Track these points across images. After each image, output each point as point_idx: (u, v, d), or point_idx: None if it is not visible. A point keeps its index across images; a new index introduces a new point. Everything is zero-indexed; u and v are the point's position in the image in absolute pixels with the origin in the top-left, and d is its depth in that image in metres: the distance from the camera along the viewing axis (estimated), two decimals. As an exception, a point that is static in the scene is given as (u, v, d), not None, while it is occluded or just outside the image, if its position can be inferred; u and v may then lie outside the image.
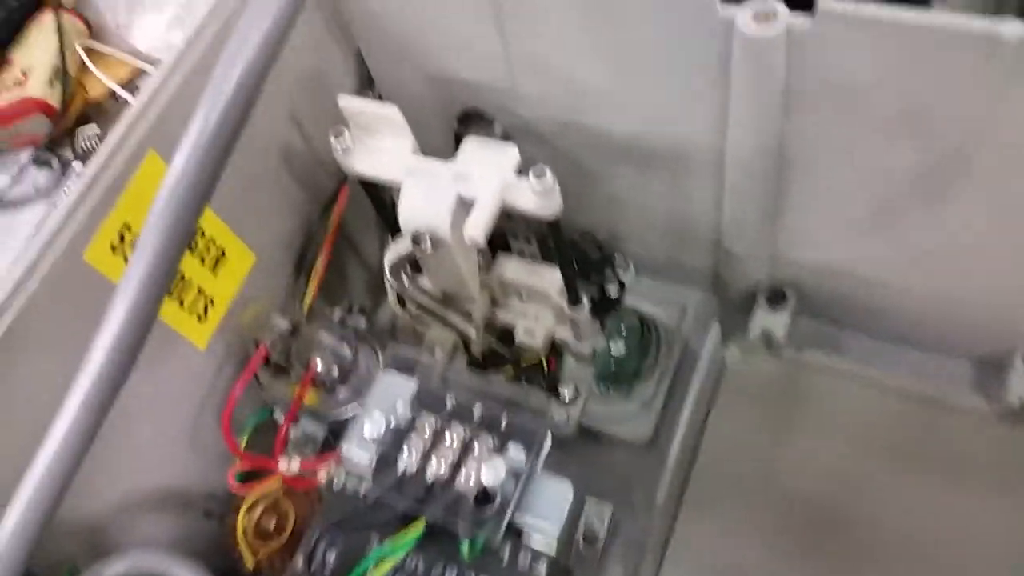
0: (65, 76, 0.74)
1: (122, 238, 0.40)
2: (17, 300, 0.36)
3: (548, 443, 0.38)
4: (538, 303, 0.52)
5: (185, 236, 0.26)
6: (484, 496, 0.36)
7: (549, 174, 0.39)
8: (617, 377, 0.51)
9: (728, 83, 0.39)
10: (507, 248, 0.53)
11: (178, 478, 0.46)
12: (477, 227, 0.40)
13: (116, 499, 0.43)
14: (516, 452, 0.37)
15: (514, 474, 0.36)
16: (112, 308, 0.26)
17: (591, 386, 0.52)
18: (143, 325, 0.27)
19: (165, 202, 0.26)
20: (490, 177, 0.42)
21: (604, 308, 0.53)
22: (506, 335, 0.53)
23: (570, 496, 0.37)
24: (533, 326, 0.51)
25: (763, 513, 0.48)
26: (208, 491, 0.48)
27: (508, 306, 0.53)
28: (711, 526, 0.48)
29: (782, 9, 0.35)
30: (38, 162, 0.72)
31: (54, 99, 0.73)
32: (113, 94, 0.76)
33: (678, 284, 0.56)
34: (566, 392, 0.51)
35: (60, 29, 0.74)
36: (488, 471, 0.36)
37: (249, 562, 0.44)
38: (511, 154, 0.42)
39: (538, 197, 0.40)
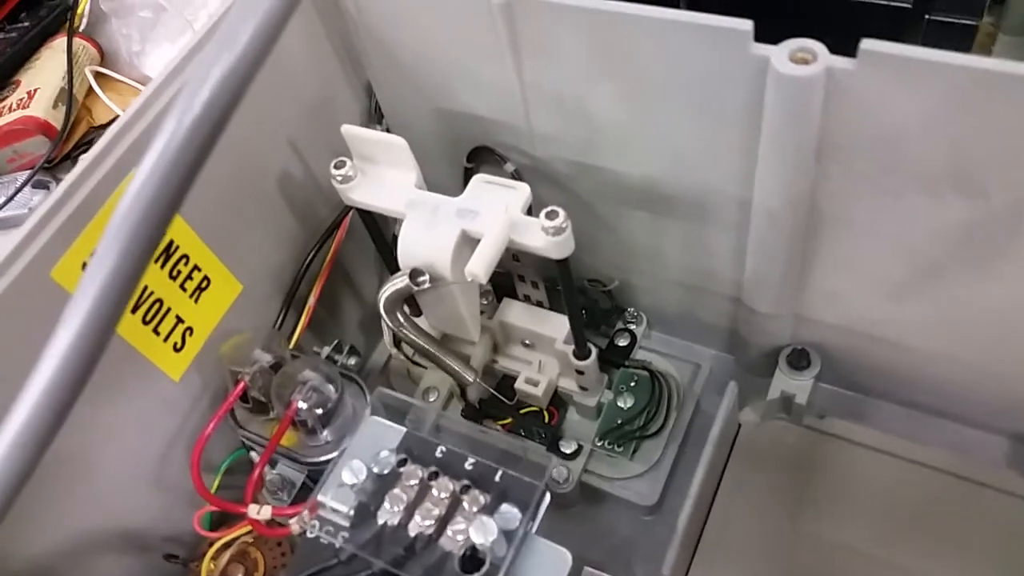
0: (71, 99, 0.72)
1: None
2: (-26, 312, 0.33)
3: (546, 503, 0.35)
4: (542, 351, 0.49)
5: (148, 247, 0.23)
6: (472, 558, 0.32)
7: (562, 215, 0.36)
8: (623, 434, 0.48)
9: (758, 127, 0.36)
10: (512, 293, 0.50)
11: (140, 518, 0.43)
12: (480, 263, 0.37)
13: (69, 537, 0.39)
14: (510, 511, 0.34)
15: (506, 536, 0.33)
16: (63, 322, 0.23)
17: (594, 442, 0.48)
18: (96, 343, 0.24)
19: (128, 209, 0.23)
20: (497, 214, 0.39)
21: (612, 360, 0.49)
22: (506, 383, 0.50)
23: (567, 567, 0.34)
24: (536, 375, 0.48)
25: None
26: (172, 534, 0.45)
27: (510, 353, 0.50)
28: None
29: (822, 49, 0.33)
30: (35, 184, 0.70)
31: (57, 121, 0.71)
32: (119, 121, 0.74)
33: (692, 341, 0.53)
34: (567, 447, 0.48)
35: (70, 52, 0.73)
36: (478, 530, 0.32)
37: (210, 616, 0.40)
38: (522, 192, 0.40)
39: (549, 237, 0.37)
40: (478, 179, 0.41)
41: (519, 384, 0.48)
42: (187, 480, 0.44)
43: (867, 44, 0.32)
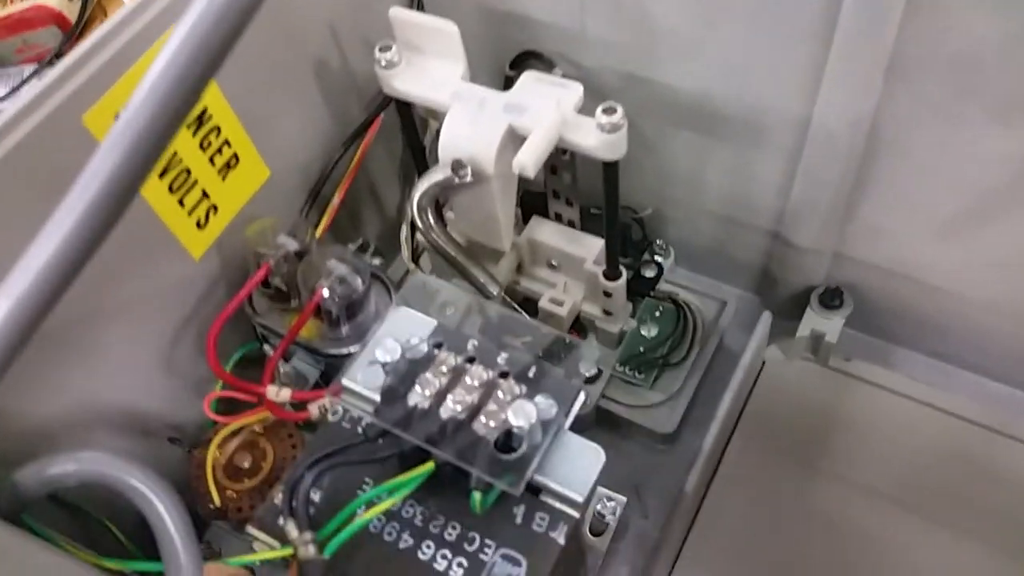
0: (87, -4, 0.70)
1: (130, 110, 0.35)
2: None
3: (580, 401, 0.33)
4: (569, 273, 0.47)
5: (186, 103, 0.21)
6: (506, 442, 0.31)
7: (620, 110, 0.35)
8: (645, 361, 0.47)
9: (830, 40, 0.35)
10: (542, 212, 0.49)
11: (145, 399, 0.41)
12: (530, 155, 0.36)
13: (74, 406, 0.38)
14: (546, 401, 0.32)
15: (543, 424, 0.32)
16: (90, 168, 0.21)
17: (615, 367, 0.47)
18: (122, 196, 0.22)
19: (169, 61, 0.21)
20: (548, 110, 0.38)
21: (638, 290, 0.48)
22: (526, 306, 0.49)
23: (601, 463, 0.33)
24: (560, 295, 0.47)
25: (788, 532, 0.43)
26: (176, 420, 0.43)
27: (534, 274, 0.49)
28: (729, 540, 0.43)
29: (909, -47, 0.32)
30: (41, 76, 0.68)
31: (71, 14, 0.69)
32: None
33: (718, 279, 0.52)
34: (587, 369, 0.46)
35: (88, -53, 0.70)
36: (517, 414, 0.31)
37: (216, 499, 0.38)
38: (574, 90, 0.38)
39: (604, 134, 0.35)
40: (528, 75, 0.40)
41: (543, 303, 0.47)
42: (196, 366, 0.42)
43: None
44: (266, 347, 0.43)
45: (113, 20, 0.33)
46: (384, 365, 0.33)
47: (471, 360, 0.34)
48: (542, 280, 0.49)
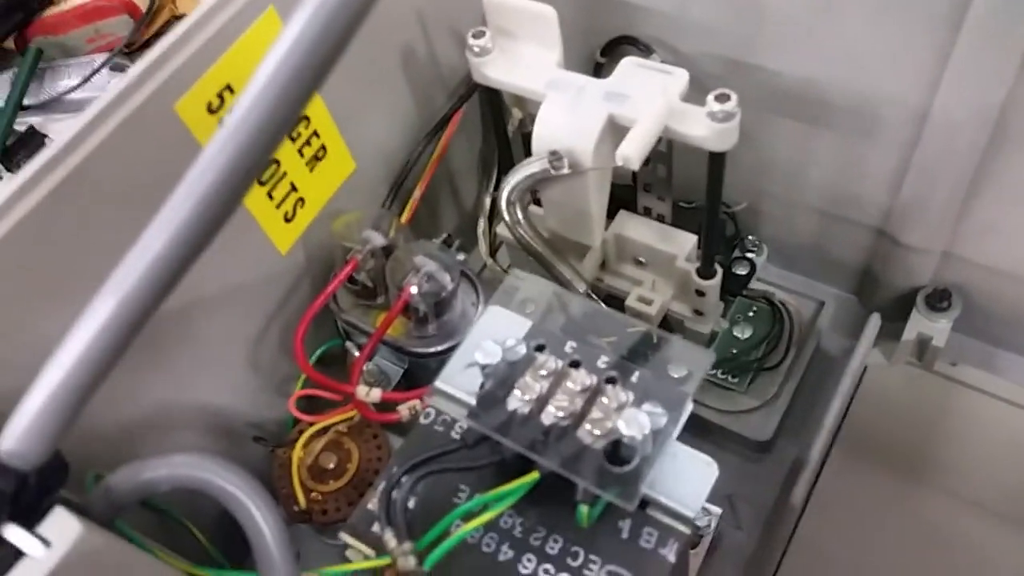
0: (156, -17, 0.69)
1: (221, 99, 0.34)
2: (94, 136, 0.30)
3: (689, 407, 0.32)
4: (658, 271, 0.45)
5: (292, 116, 0.20)
6: (617, 452, 0.29)
7: (735, 98, 0.33)
8: (739, 364, 0.44)
9: (959, 24, 0.33)
10: (629, 206, 0.47)
11: (230, 396, 0.40)
12: (634, 147, 0.34)
13: (158, 406, 0.37)
14: (655, 410, 0.30)
15: (654, 434, 0.30)
16: (191, 177, 0.20)
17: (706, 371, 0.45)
18: (224, 207, 0.21)
19: (276, 69, 0.19)
20: (652, 99, 0.36)
21: (729, 289, 0.46)
22: (609, 303, 0.47)
23: (714, 476, 0.31)
24: (649, 294, 0.45)
25: (892, 547, 0.41)
26: (258, 419, 0.42)
27: (619, 271, 0.47)
28: (830, 555, 0.41)
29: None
30: (113, 67, 0.67)
31: (142, 3, 0.68)
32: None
33: (814, 278, 0.49)
34: (677, 371, 0.45)
35: (158, -64, 0.70)
36: (629, 423, 0.29)
37: (301, 501, 0.37)
38: (679, 77, 0.36)
39: (716, 123, 0.33)
40: (628, 62, 0.38)
41: (630, 302, 0.45)
42: (279, 363, 0.41)
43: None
44: (348, 344, 0.42)
45: (201, 8, 0.32)
46: (483, 368, 0.32)
47: (574, 364, 0.32)
48: (628, 277, 0.47)
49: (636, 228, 0.45)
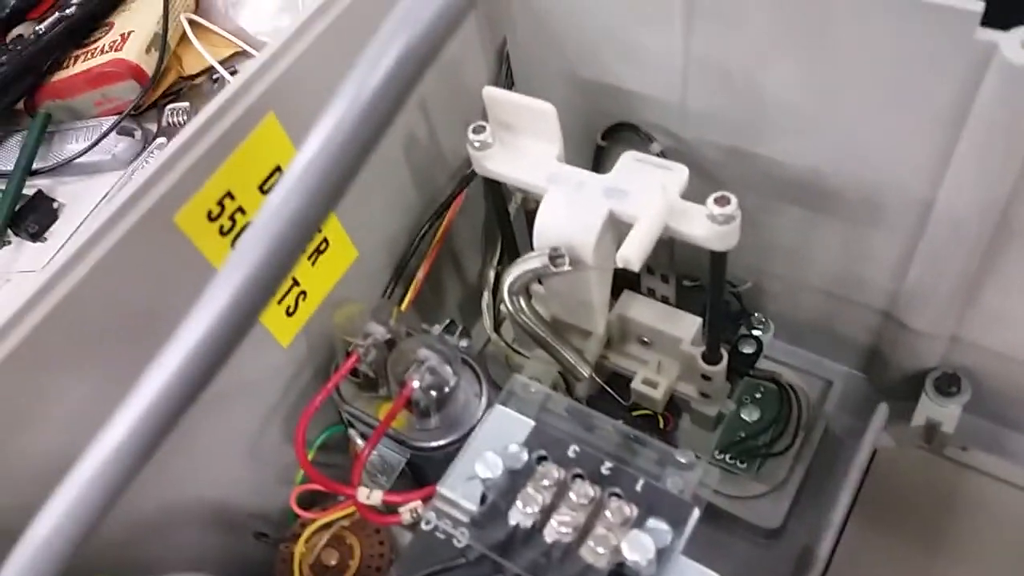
0: (164, 45, 0.70)
1: (222, 207, 0.34)
2: (94, 252, 0.30)
3: (695, 518, 0.31)
4: (662, 351, 0.45)
5: (307, 239, 0.20)
6: (619, 574, 0.29)
7: (734, 202, 0.33)
8: (746, 448, 0.44)
9: (962, 122, 0.33)
10: (634, 285, 0.47)
11: (232, 491, 0.40)
12: (635, 249, 0.34)
13: (159, 508, 0.37)
14: (659, 527, 0.30)
15: (657, 554, 0.29)
16: (202, 308, 0.20)
17: (714, 455, 0.44)
18: (234, 337, 0.20)
19: (290, 193, 0.19)
20: (652, 196, 0.35)
21: (735, 368, 0.46)
22: (615, 382, 0.47)
23: (718, 591, 0.30)
24: (655, 376, 0.44)
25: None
26: (260, 511, 0.42)
27: (624, 350, 0.47)
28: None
29: (1063, 36, 0.29)
30: (120, 131, 0.68)
31: (148, 67, 0.69)
32: (210, 74, 0.72)
33: (822, 355, 0.49)
34: (683, 456, 0.44)
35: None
36: (633, 546, 0.28)
37: (303, 603, 0.37)
38: (679, 174, 0.36)
39: (716, 226, 0.33)
40: (628, 156, 0.38)
41: (635, 384, 0.45)
42: (282, 455, 0.41)
43: None
44: (351, 431, 0.42)
45: (199, 119, 0.32)
46: (484, 481, 0.31)
47: (579, 476, 0.32)
48: (633, 357, 0.46)
49: (640, 309, 0.45)
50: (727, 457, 0.44)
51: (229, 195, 0.34)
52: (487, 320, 0.49)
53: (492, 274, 0.49)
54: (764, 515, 0.43)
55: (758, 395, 0.45)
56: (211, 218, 0.33)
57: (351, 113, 0.19)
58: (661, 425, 0.46)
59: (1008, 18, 0.30)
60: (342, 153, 0.19)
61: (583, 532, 0.30)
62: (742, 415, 0.45)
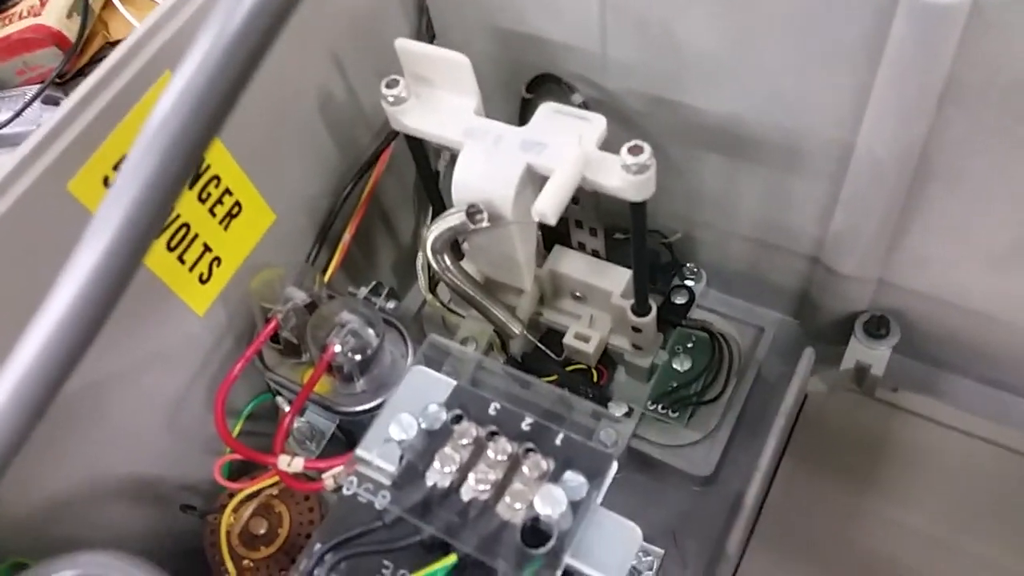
0: (86, 10, 0.67)
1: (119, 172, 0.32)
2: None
3: (612, 473, 0.31)
4: (595, 305, 0.45)
5: (186, 167, 0.19)
6: (534, 529, 0.29)
7: (647, 150, 0.32)
8: (679, 398, 0.44)
9: (876, 63, 0.32)
10: (564, 240, 0.46)
11: (155, 465, 0.39)
12: (550, 203, 0.33)
13: (80, 482, 0.36)
14: (575, 479, 0.30)
15: (572, 506, 0.29)
16: (83, 247, 0.19)
17: (647, 405, 0.44)
18: (119, 276, 0.20)
19: (165, 118, 0.18)
20: (569, 148, 0.35)
21: (669, 319, 0.45)
22: (551, 337, 0.46)
23: (637, 543, 0.30)
24: (586, 330, 0.44)
25: (835, 572, 0.41)
26: (188, 483, 0.41)
27: (557, 305, 0.46)
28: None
29: (969, -29, 0.28)
30: (46, 100, 0.65)
31: (71, 32, 0.66)
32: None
33: (754, 302, 0.49)
34: (618, 408, 0.44)
35: (87, -39, 0.68)
36: (544, 500, 0.28)
37: (231, 571, 0.36)
38: (597, 124, 0.36)
39: (630, 176, 0.33)
40: (547, 108, 0.37)
41: (568, 339, 0.44)
42: (206, 425, 0.40)
43: (1027, -33, 0.27)
44: (279, 399, 0.41)
45: (90, 82, 0.31)
46: (400, 443, 0.31)
47: (494, 434, 0.31)
48: (567, 312, 0.46)
49: (571, 264, 0.44)
50: (659, 407, 0.44)
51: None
52: (422, 280, 0.48)
53: (426, 234, 0.49)
54: (697, 463, 0.43)
55: (690, 345, 0.45)
56: (108, 184, 0.32)
57: (229, 27, 0.18)
58: (595, 379, 0.46)
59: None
60: (218, 75, 0.18)
61: (500, 489, 0.30)
62: (674, 365, 0.45)
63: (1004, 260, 0.37)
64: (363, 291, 0.43)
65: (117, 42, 0.70)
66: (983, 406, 0.44)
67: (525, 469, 0.30)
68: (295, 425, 0.40)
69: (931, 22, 0.30)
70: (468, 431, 0.31)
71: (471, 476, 0.30)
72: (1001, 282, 0.38)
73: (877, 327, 0.43)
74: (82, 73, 0.68)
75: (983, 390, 0.45)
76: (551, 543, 0.28)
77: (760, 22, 0.34)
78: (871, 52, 0.32)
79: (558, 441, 0.32)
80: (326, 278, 0.42)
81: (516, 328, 0.43)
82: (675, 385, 0.44)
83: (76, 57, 0.67)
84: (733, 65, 0.36)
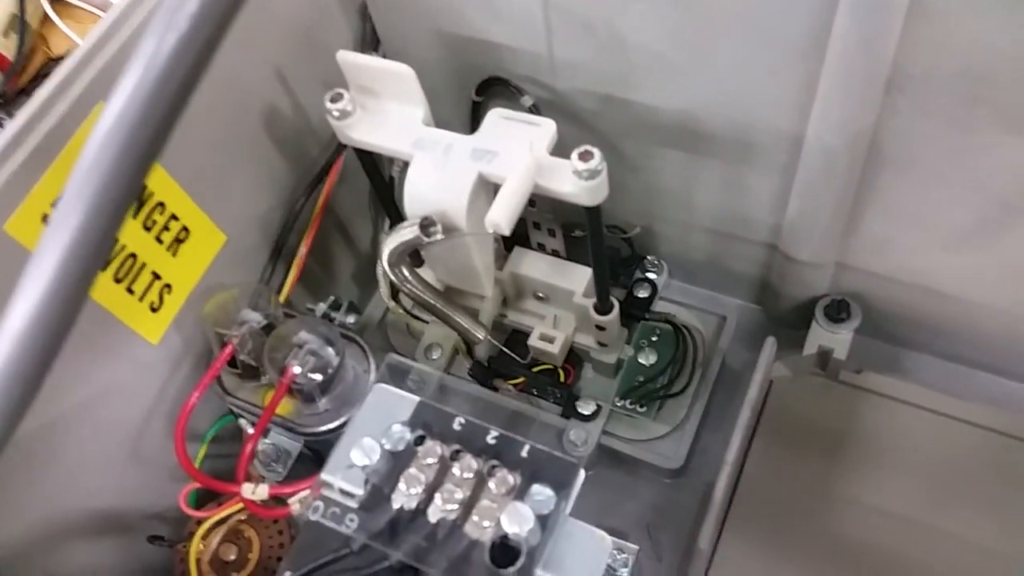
0: (23, 27, 0.65)
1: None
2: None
3: (580, 482, 0.31)
4: (558, 305, 0.45)
5: (126, 196, 0.18)
6: (504, 547, 0.29)
7: (597, 155, 0.32)
8: (646, 392, 0.44)
9: (822, 54, 0.32)
10: (524, 241, 0.46)
11: (119, 496, 0.39)
12: (503, 213, 0.33)
13: (43, 520, 0.35)
14: (542, 492, 0.30)
15: (540, 520, 0.29)
16: (24, 286, 0.18)
17: (614, 402, 0.44)
18: (64, 313, 0.19)
19: (100, 149, 0.18)
20: (520, 155, 0.34)
21: (632, 312, 0.45)
22: (516, 338, 0.46)
23: (607, 552, 0.30)
24: (551, 331, 0.44)
25: (809, 558, 0.41)
26: (155, 511, 0.41)
27: (521, 306, 0.46)
28: (750, 571, 0.41)
29: (907, -40, 0.28)
30: (-15, 121, 0.64)
31: (8, 51, 0.64)
32: (78, 49, 0.67)
33: (716, 291, 0.49)
34: (586, 407, 0.44)
35: (21, -26, 0.65)
36: (511, 518, 0.28)
37: (202, 604, 0.36)
38: (546, 129, 0.35)
39: (582, 181, 0.32)
40: (495, 114, 0.36)
41: (533, 341, 0.44)
42: (169, 454, 0.39)
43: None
44: (242, 421, 0.41)
45: (20, 119, 0.30)
46: (363, 468, 0.30)
47: (458, 452, 0.31)
48: (530, 312, 0.46)
49: (531, 265, 0.44)
50: (627, 402, 0.44)
51: (65, 194, 0.31)
52: (383, 288, 0.47)
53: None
54: (666, 456, 0.43)
55: (654, 338, 0.45)
56: (47, 221, 0.31)
57: (161, 52, 0.17)
58: (562, 378, 0.46)
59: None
60: (152, 101, 0.17)
61: (468, 507, 0.30)
62: (639, 359, 0.45)
63: (958, 240, 0.37)
64: (322, 307, 0.43)
65: (60, 58, 0.68)
66: (945, 382, 0.44)
67: (492, 485, 0.30)
68: (260, 447, 0.40)
69: (873, 13, 0.29)
70: (432, 450, 0.31)
71: (438, 496, 0.30)
72: (956, 261, 0.38)
73: (838, 311, 0.43)
74: (24, 92, 0.66)
75: (944, 366, 0.45)
76: (520, 561, 0.28)
77: (704, 18, 0.33)
78: (816, 44, 0.32)
79: (524, 453, 0.32)
80: (282, 296, 0.42)
81: (480, 334, 0.43)
82: (642, 380, 0.44)
83: (16, 76, 0.65)
84: (680, 62, 0.36)
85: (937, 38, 0.30)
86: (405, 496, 0.30)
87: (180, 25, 0.18)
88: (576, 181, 0.33)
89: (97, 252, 0.18)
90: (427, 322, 0.46)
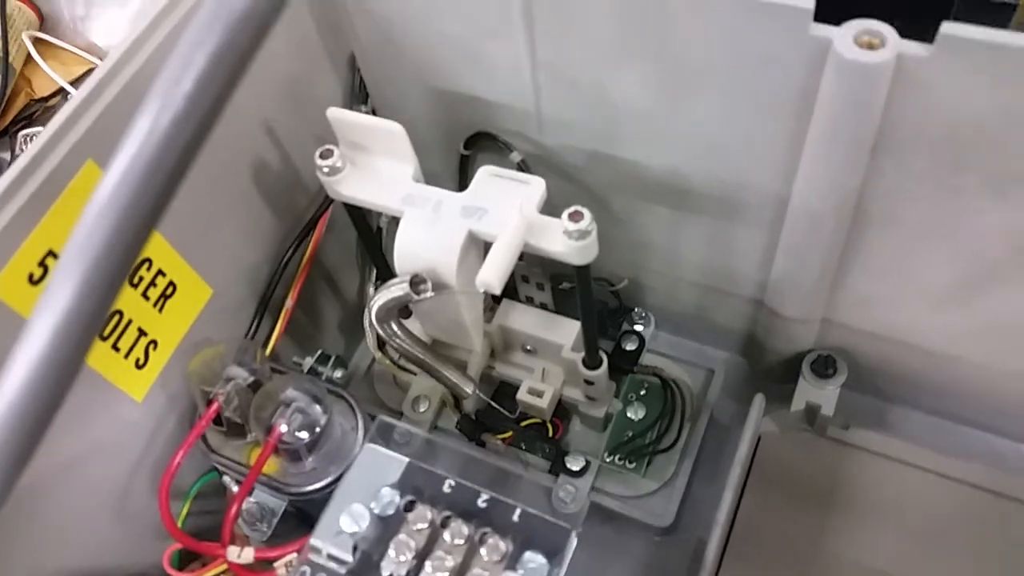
0: (6, 68, 0.65)
1: (44, 268, 0.31)
2: None
3: (573, 547, 0.31)
4: (546, 358, 0.44)
5: (122, 267, 0.18)
6: (496, 619, 0.28)
7: (588, 216, 0.32)
8: (634, 448, 0.44)
9: (808, 118, 0.32)
10: (513, 292, 0.46)
11: (102, 554, 0.38)
12: (494, 273, 0.33)
13: (20, 582, 0.34)
14: (535, 560, 0.29)
15: (534, 590, 0.29)
16: (17, 356, 0.18)
17: (603, 457, 0.44)
18: (58, 383, 0.19)
19: (96, 219, 0.17)
20: (510, 213, 0.34)
21: (620, 366, 0.45)
22: (504, 390, 0.46)
23: (599, 619, 0.30)
24: (539, 385, 0.44)
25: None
26: (139, 571, 0.40)
27: (509, 359, 0.46)
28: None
29: (891, 33, 0.29)
30: (-32, 165, 0.63)
31: (-7, 92, 0.64)
32: (64, 95, 0.67)
33: (703, 343, 0.49)
34: (575, 463, 0.44)
35: (3, 15, 0.65)
36: (504, 590, 0.28)
37: (184, 672, 0.35)
38: (536, 187, 0.35)
39: (572, 241, 0.32)
40: (485, 172, 0.36)
41: (521, 395, 0.44)
42: (153, 512, 0.39)
43: (948, 28, 0.28)
44: (226, 478, 0.40)
45: (6, 179, 0.29)
46: (352, 535, 0.30)
47: (448, 518, 0.31)
48: (519, 365, 0.46)
49: (520, 318, 0.44)
50: (616, 458, 0.44)
51: (51, 254, 0.31)
52: (370, 339, 0.47)
53: (372, 291, 0.48)
54: (656, 513, 0.43)
55: (643, 392, 0.45)
56: (33, 281, 0.31)
57: (160, 124, 0.17)
58: (551, 432, 0.45)
59: (840, 13, 0.30)
60: (152, 172, 0.17)
61: (460, 574, 0.30)
62: (628, 414, 0.45)
63: (943, 298, 0.38)
64: (308, 361, 0.42)
65: (43, 99, 0.68)
66: (932, 438, 0.44)
67: (483, 552, 0.30)
68: (244, 507, 0.39)
69: (858, 79, 0.30)
70: (423, 515, 0.31)
71: (428, 564, 0.30)
72: (941, 319, 0.39)
73: (824, 367, 0.43)
74: (7, 133, 0.66)
75: (931, 421, 0.45)
76: (512, 634, 0.28)
77: (690, 79, 0.34)
78: (801, 107, 0.32)
79: (516, 517, 0.31)
80: (268, 350, 0.41)
81: (468, 388, 0.42)
82: (631, 435, 0.44)
83: (0, 117, 0.65)
84: (667, 120, 0.36)
85: (921, 105, 0.30)
86: (395, 563, 0.30)
87: (176, 104, 0.18)
88: (566, 241, 0.33)
89: (92, 322, 0.18)
90: (414, 373, 0.46)
